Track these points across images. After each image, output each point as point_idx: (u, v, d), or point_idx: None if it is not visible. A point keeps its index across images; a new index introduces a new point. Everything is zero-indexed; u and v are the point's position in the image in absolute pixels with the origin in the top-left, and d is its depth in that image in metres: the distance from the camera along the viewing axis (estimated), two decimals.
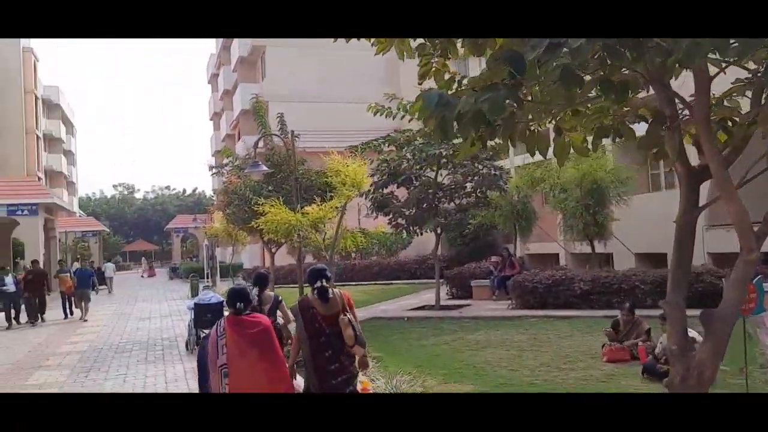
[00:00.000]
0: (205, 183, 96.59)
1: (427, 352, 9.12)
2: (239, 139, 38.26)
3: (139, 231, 75.55)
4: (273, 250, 13.67)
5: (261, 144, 13.28)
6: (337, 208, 9.05)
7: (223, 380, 4.35)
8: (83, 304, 17.31)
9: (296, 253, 25.74)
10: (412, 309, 14.43)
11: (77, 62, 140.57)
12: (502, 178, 13.42)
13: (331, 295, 4.64)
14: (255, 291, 6.09)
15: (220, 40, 43.57)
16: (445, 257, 20.48)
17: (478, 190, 14.14)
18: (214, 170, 14.19)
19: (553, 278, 12.95)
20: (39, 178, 45.02)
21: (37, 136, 46.57)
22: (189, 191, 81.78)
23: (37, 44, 51.01)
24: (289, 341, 6.12)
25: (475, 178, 13.67)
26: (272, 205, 9.34)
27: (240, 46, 37.03)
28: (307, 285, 4.88)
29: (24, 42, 44.51)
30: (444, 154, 12.59)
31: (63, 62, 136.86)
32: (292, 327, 5.73)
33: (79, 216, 59.18)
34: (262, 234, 12.83)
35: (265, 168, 9.80)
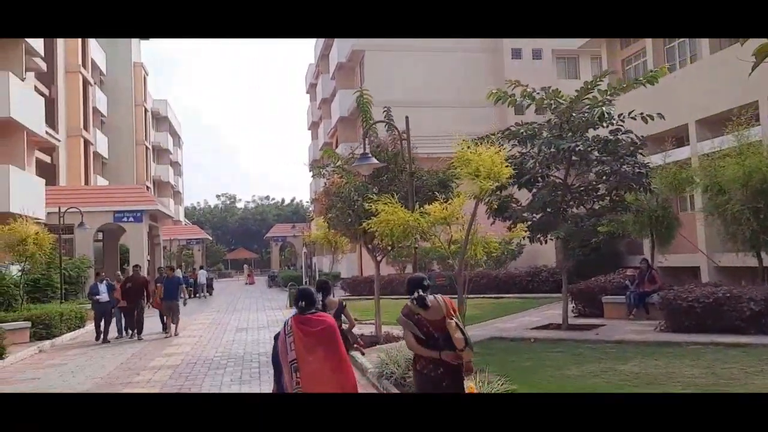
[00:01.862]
0: (303, 192, 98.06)
1: (577, 386, 7.29)
2: (337, 146, 37.63)
3: (240, 239, 77.48)
4: (379, 257, 12.24)
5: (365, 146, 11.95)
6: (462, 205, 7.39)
7: (294, 375, 4.54)
8: (172, 318, 15.44)
9: (400, 264, 24.70)
10: (535, 328, 12.53)
11: (182, 77, 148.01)
12: (647, 177, 11.27)
13: (430, 303, 4.65)
14: (319, 297, 6.07)
15: (320, 48, 43.46)
16: (563, 269, 18.34)
17: (614, 192, 12.06)
18: (314, 171, 13.02)
19: (714, 296, 10.65)
20: (147, 188, 46.61)
21: (146, 147, 48.32)
22: (288, 201, 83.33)
23: (146, 59, 53.04)
24: (355, 345, 6.78)
25: (611, 178, 11.60)
26: (386, 203, 7.85)
27: (338, 53, 36.48)
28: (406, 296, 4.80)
29: (135, 57, 46.39)
30: (578, 149, 10.67)
31: (169, 76, 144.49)
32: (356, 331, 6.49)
33: (185, 224, 61.23)
34: (366, 240, 11.43)
35: (375, 160, 8.36)
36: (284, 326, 4.79)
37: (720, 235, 13.10)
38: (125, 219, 25.72)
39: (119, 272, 17.37)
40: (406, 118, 9.71)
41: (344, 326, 6.74)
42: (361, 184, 10.96)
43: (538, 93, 10.93)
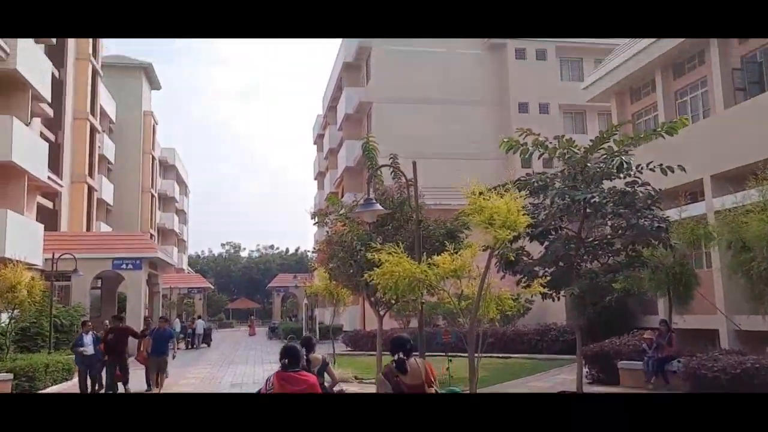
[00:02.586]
0: (307, 242, 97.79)
1: None
2: (343, 196, 37.33)
3: (243, 289, 76.60)
4: (382, 311, 11.57)
5: (366, 194, 11.47)
6: (471, 257, 6.77)
7: None
8: (159, 375, 13.89)
9: (404, 319, 23.80)
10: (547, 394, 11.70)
11: (192, 127, 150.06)
12: (666, 231, 10.68)
13: (410, 368, 4.58)
14: (303, 352, 5.88)
15: (328, 99, 43.77)
16: (576, 328, 17.52)
17: (630, 247, 11.46)
18: (318, 219, 12.54)
19: (741, 366, 9.84)
20: (151, 236, 46.24)
21: (153, 195, 48.22)
22: (292, 251, 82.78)
23: (157, 107, 53.54)
24: None
25: (627, 232, 11.02)
26: (390, 253, 7.20)
27: (346, 104, 36.64)
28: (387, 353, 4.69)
29: (145, 106, 46.85)
30: (594, 200, 10.14)
31: (177, 124, 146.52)
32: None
33: (188, 272, 60.60)
34: (369, 292, 10.79)
35: (380, 207, 7.82)
36: (266, 382, 4.80)
37: (743, 295, 12.39)
38: (124, 266, 25.18)
39: (107, 322, 16.35)
40: (414, 163, 9.26)
41: (326, 384, 6.66)
42: (365, 233, 10.43)
43: (550, 142, 10.49)
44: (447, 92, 33.30)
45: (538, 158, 10.55)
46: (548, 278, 10.40)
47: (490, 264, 7.13)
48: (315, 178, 54.07)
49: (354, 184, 35.80)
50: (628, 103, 21.57)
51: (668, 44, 18.07)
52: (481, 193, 6.61)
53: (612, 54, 22.41)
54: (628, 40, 21.33)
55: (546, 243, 11.42)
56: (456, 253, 7.60)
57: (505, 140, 10.31)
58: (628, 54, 20.17)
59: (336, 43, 44.13)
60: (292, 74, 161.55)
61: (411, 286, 6.80)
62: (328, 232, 11.80)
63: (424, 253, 8.21)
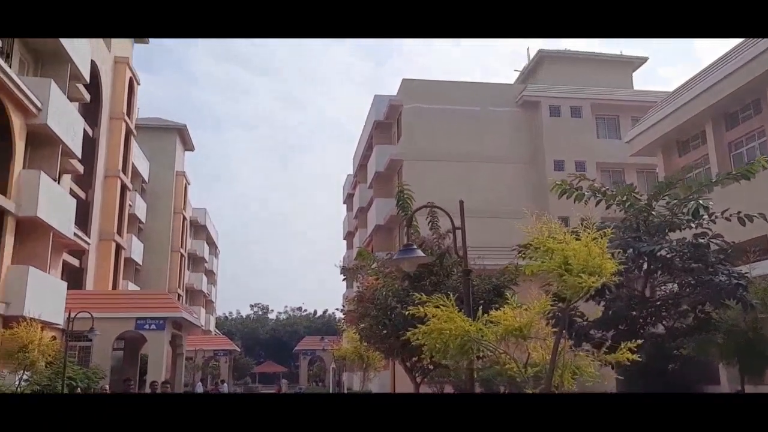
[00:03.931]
0: (335, 303, 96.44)
1: None
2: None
3: (271, 352, 75.00)
4: (418, 378, 10.34)
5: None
6: (540, 311, 5.52)
7: None
8: None
9: (439, 386, 22.15)
10: None
11: (223, 188, 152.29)
12: (745, 289, 9.36)
13: None
14: None
15: (358, 158, 43.53)
16: None
17: (698, 308, 10.12)
18: (347, 274, 11.54)
19: None
20: (179, 296, 45.62)
21: (182, 254, 47.93)
22: (320, 313, 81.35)
23: (189, 168, 54.03)
24: None
25: (697, 290, 9.73)
26: (438, 306, 5.84)
27: (377, 162, 36.19)
28: None
29: (178, 166, 47.22)
30: (661, 253, 8.95)
31: (210, 187, 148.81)
32: None
33: (214, 334, 59.58)
34: (405, 356, 9.60)
35: (421, 253, 6.77)
36: None
37: None
38: (147, 326, 24.32)
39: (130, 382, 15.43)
40: (461, 202, 8.24)
41: None
42: (401, 288, 9.33)
43: (609, 189, 9.43)
44: (479, 150, 32.63)
45: (596, 204, 9.44)
46: (608, 343, 9.10)
47: (566, 320, 5.93)
48: (344, 238, 53.39)
49: (384, 243, 34.88)
50: (676, 156, 20.47)
51: (719, 93, 17.09)
52: (546, 232, 5.41)
53: (655, 107, 21.49)
54: (672, 92, 20.45)
55: (604, 302, 10.18)
56: (508, 308, 6.40)
57: (558, 183, 9.30)
58: (674, 105, 19.22)
59: (367, 101, 44.31)
60: (322, 135, 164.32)
61: (464, 347, 5.57)
62: (358, 287, 10.74)
63: (479, 309, 7.02)
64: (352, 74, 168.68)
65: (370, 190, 38.80)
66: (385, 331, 9.58)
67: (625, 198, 9.38)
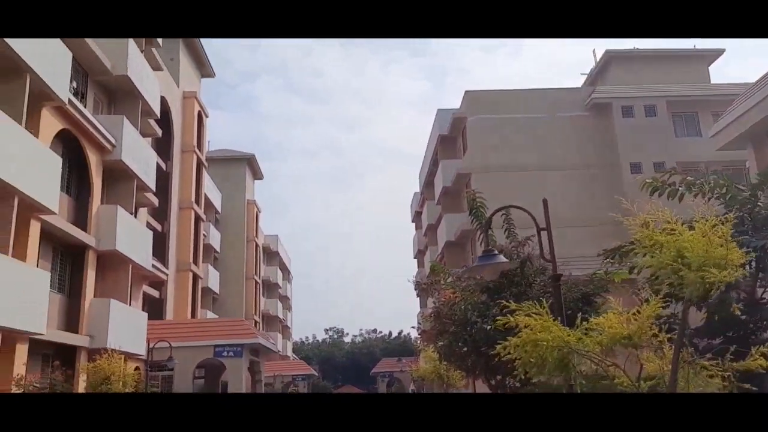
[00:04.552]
0: (409, 322, 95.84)
1: None
2: None
3: (348, 375, 75.03)
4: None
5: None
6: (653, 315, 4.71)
7: None
8: None
9: None
10: None
11: (292, 215, 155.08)
12: None
13: None
14: None
15: (424, 175, 43.13)
16: None
17: None
18: (421, 290, 11.02)
19: None
20: (256, 322, 46.27)
21: (256, 281, 48.70)
22: (395, 334, 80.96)
23: (259, 197, 55.02)
24: None
25: None
26: (530, 315, 5.07)
27: (444, 178, 35.64)
28: None
29: (248, 195, 48.24)
30: None
31: (280, 213, 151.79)
32: None
33: (292, 359, 60.07)
34: (488, 374, 8.95)
35: (503, 259, 6.12)
36: None
37: None
38: (225, 353, 24.52)
39: None
40: (544, 201, 7.59)
41: None
42: (480, 302, 8.72)
43: (706, 182, 8.53)
44: (549, 158, 31.50)
45: (693, 198, 8.55)
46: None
47: (686, 324, 5.08)
48: (415, 257, 52.87)
49: (456, 259, 34.13)
50: None
51: None
52: (648, 223, 4.62)
53: (741, 97, 20.00)
54: (758, 80, 18.96)
55: (705, 307, 9.19)
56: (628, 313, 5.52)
57: (648, 181, 8.49)
58: (763, 93, 17.77)
59: (426, 121, 44.00)
60: (384, 157, 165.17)
61: (563, 360, 4.85)
62: (434, 303, 10.17)
63: (579, 317, 6.24)
64: (410, 95, 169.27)
65: (439, 207, 38.23)
66: (465, 348, 8.98)
67: (724, 190, 8.46)
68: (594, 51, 37.24)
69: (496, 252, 6.42)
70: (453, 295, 9.22)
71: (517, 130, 31.95)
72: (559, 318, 5.41)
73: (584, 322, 5.06)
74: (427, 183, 42.33)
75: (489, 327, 7.45)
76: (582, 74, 38.97)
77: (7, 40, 13.35)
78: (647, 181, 8.63)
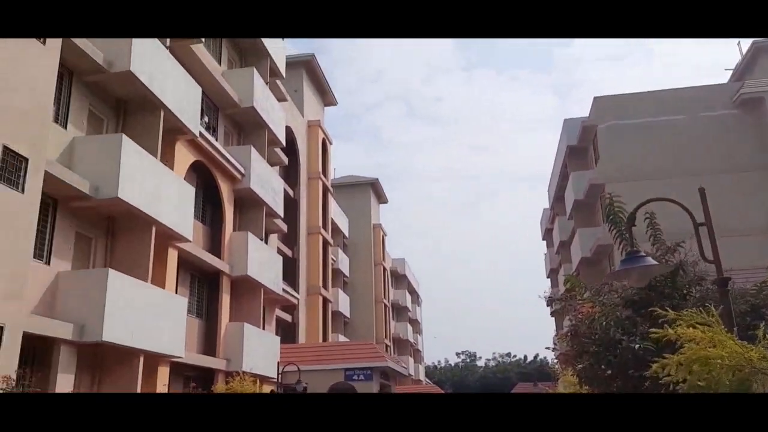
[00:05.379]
0: (542, 344, 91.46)
1: None
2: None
3: None
4: None
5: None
6: None
7: None
8: None
9: None
10: None
11: (418, 237, 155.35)
12: None
13: None
14: None
15: (553, 189, 41.23)
16: None
17: None
18: (555, 305, 10.03)
19: None
20: (387, 346, 46.30)
21: (385, 305, 48.87)
22: (530, 358, 77.87)
23: (384, 220, 55.61)
24: None
25: None
26: (694, 326, 4.05)
27: (574, 190, 33.70)
28: None
29: (374, 219, 48.79)
30: None
31: (406, 236, 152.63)
32: None
33: (425, 383, 59.41)
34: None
35: (653, 261, 5.11)
36: None
37: None
38: (355, 377, 24.43)
39: None
40: (701, 191, 6.47)
41: None
42: (625, 318, 7.61)
43: None
44: (691, 163, 28.62)
45: None
46: None
47: None
48: (547, 276, 50.50)
49: (592, 277, 31.82)
50: None
51: None
52: None
53: None
54: None
55: None
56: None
57: None
58: None
59: (555, 134, 42.11)
60: (512, 174, 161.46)
61: (743, 384, 3.77)
62: (570, 320, 9.12)
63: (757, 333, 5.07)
64: (533, 112, 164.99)
65: (571, 221, 36.21)
66: (609, 371, 7.89)
67: None
68: (739, 43, 33.65)
69: (643, 253, 5.43)
70: (592, 309, 8.18)
71: (654, 134, 29.50)
72: (732, 330, 4.34)
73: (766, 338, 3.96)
74: (557, 197, 40.36)
75: (637, 346, 6.40)
76: (726, 70, 35.49)
77: (141, 78, 14.21)
78: None
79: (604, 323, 7.48)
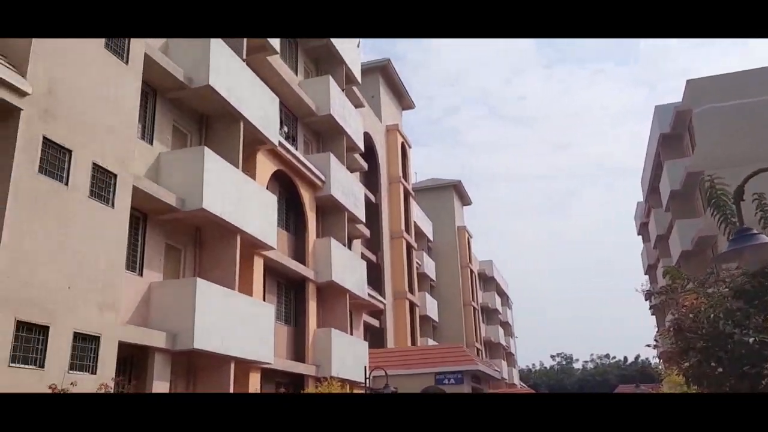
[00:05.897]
0: (646, 339, 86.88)
1: None
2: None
3: None
4: None
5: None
6: None
7: None
8: None
9: None
10: None
11: (503, 238, 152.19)
12: None
13: None
14: None
15: (647, 182, 39.11)
16: None
17: None
18: (654, 297, 9.24)
19: None
20: (477, 350, 45.47)
21: (474, 308, 48.05)
22: (631, 359, 74.30)
23: (468, 223, 54.77)
24: None
25: None
26: None
27: (670, 181, 31.76)
28: None
29: (458, 221, 48.15)
30: None
31: (491, 239, 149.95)
32: None
33: (520, 387, 57.96)
34: None
35: (767, 238, 4.46)
36: None
37: None
38: (445, 381, 24.02)
39: None
40: None
41: None
42: (736, 309, 6.84)
43: None
44: None
45: None
46: None
47: None
48: (645, 273, 47.88)
49: (694, 271, 29.85)
50: None
51: None
52: None
53: None
54: None
55: None
56: None
57: None
58: None
59: (645, 126, 39.72)
60: (601, 170, 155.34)
61: None
62: (673, 314, 8.35)
63: None
64: (619, 104, 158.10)
65: (668, 213, 34.14)
66: (720, 369, 7.13)
67: None
68: None
69: (756, 231, 4.76)
70: (697, 301, 7.41)
71: (756, 116, 27.28)
72: None
73: None
74: (652, 189, 38.21)
75: (752, 339, 5.71)
76: None
77: (220, 91, 14.57)
78: None
79: (712, 316, 6.74)
